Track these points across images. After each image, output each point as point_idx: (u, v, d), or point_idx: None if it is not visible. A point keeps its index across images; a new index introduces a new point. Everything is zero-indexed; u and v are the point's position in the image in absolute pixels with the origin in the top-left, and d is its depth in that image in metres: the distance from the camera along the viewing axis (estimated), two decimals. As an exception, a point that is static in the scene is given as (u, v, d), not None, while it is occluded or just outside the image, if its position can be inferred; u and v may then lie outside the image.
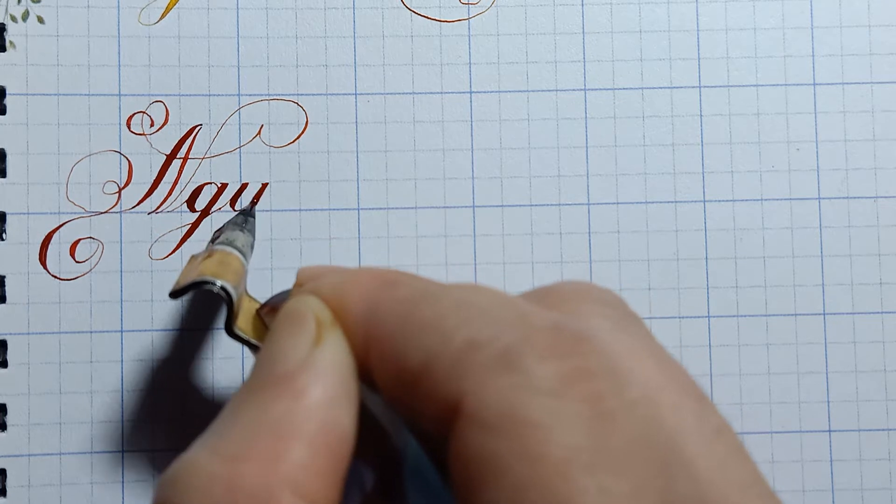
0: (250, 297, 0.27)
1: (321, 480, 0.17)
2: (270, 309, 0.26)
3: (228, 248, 0.27)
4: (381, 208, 0.32)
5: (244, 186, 0.32)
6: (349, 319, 0.19)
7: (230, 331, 0.25)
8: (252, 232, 0.30)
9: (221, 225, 0.31)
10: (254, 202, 0.31)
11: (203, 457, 0.17)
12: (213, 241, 0.29)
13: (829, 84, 0.33)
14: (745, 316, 0.32)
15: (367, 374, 0.18)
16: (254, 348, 0.26)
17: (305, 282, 0.21)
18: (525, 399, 0.16)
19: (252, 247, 0.30)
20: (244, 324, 0.26)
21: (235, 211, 0.32)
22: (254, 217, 0.31)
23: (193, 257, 0.28)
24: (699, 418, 0.17)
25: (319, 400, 0.17)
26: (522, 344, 0.16)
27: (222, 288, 0.25)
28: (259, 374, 0.18)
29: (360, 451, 0.18)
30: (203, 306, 0.31)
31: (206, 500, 0.16)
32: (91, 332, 0.31)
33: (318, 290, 0.19)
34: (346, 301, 0.19)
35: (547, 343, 0.16)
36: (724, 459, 0.16)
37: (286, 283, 0.31)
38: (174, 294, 0.25)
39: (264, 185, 0.32)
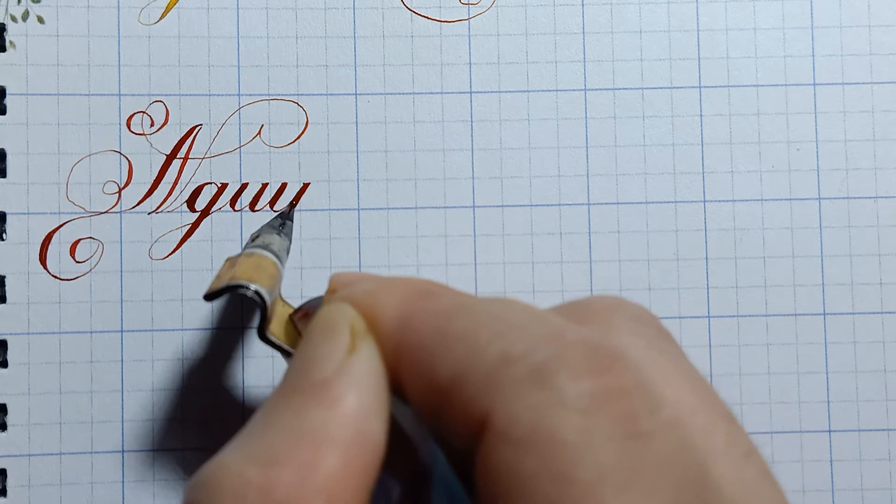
0: (284, 301, 0.27)
1: (352, 490, 0.17)
2: (304, 314, 0.26)
3: (264, 252, 0.27)
4: (381, 208, 0.32)
5: (244, 186, 0.32)
6: (381, 329, 0.19)
7: (263, 335, 0.25)
8: (289, 235, 0.30)
9: (259, 227, 0.31)
10: (292, 204, 0.31)
11: (236, 461, 0.16)
12: (249, 244, 0.29)
13: (829, 84, 0.33)
14: (745, 316, 0.32)
15: (397, 384, 0.18)
16: (285, 354, 0.25)
17: (338, 288, 0.21)
18: (556, 416, 0.15)
19: (288, 250, 0.30)
20: (277, 328, 0.26)
21: (236, 211, 0.32)
22: (292, 220, 0.31)
23: (229, 259, 0.28)
24: (729, 441, 0.17)
25: (354, 409, 0.17)
26: (556, 360, 0.16)
27: (256, 292, 0.25)
28: (293, 380, 0.18)
29: (388, 462, 0.18)
30: (205, 307, 0.31)
31: None
32: (91, 333, 0.31)
33: (351, 297, 0.19)
34: (378, 310, 0.19)
35: (580, 360, 0.16)
36: (753, 483, 0.16)
37: (286, 282, 0.31)
38: (209, 296, 0.25)
39: (264, 185, 0.32)
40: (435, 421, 0.18)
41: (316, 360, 0.18)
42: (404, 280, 0.19)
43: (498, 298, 0.19)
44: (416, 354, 0.18)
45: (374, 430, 0.17)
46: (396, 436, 0.19)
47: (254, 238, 0.29)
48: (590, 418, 0.15)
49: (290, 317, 0.26)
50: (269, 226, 0.30)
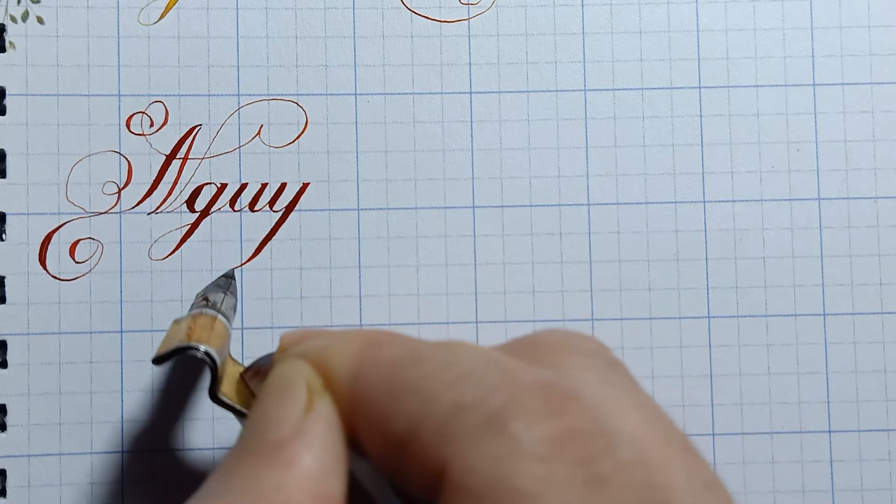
0: (234, 360, 0.27)
1: None
2: (255, 373, 0.25)
3: (212, 312, 0.27)
4: (381, 208, 0.32)
5: (244, 186, 0.32)
6: (335, 384, 0.18)
7: (214, 397, 0.25)
8: (234, 293, 0.30)
9: (204, 287, 0.30)
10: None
11: None
12: (196, 303, 0.29)
13: (829, 84, 0.33)
14: (745, 316, 0.32)
15: (354, 438, 0.18)
16: (238, 414, 0.25)
17: (289, 346, 0.21)
18: (514, 466, 0.15)
19: (235, 308, 0.30)
20: (228, 388, 0.25)
21: (236, 211, 0.32)
22: (234, 278, 0.31)
23: (176, 321, 0.27)
24: (689, 473, 0.17)
25: (311, 469, 0.17)
26: (510, 406, 0.16)
27: (206, 353, 0.25)
28: (249, 441, 0.18)
29: None
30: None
31: None
32: (91, 333, 0.31)
33: (305, 353, 0.19)
34: (331, 365, 0.19)
35: (535, 403, 0.16)
36: None
37: (285, 283, 0.31)
38: (157, 360, 0.25)
39: (264, 185, 0.32)
40: (393, 473, 0.18)
41: (272, 421, 0.18)
42: (355, 333, 0.19)
43: (449, 343, 0.18)
44: (370, 408, 0.18)
45: (333, 489, 0.17)
46: (355, 491, 0.18)
47: (200, 297, 0.29)
48: (548, 464, 0.15)
49: (241, 376, 0.26)
50: (215, 285, 0.30)
